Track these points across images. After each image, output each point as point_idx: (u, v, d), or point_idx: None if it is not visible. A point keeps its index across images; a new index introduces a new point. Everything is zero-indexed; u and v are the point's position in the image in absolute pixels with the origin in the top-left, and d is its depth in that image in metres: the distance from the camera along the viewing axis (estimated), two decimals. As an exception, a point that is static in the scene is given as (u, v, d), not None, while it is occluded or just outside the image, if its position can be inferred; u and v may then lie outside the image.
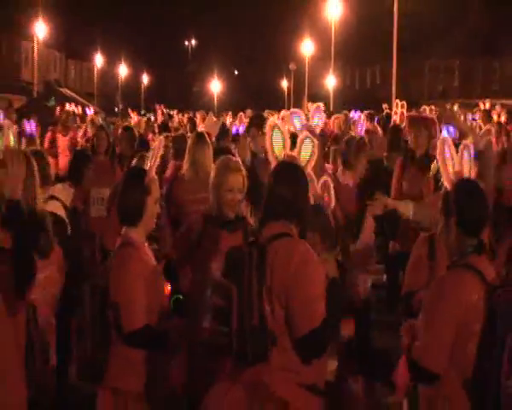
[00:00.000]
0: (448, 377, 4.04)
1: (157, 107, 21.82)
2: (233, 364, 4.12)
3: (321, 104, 9.28)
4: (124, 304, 4.74)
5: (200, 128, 12.35)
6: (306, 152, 5.10)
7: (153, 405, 4.90)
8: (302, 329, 3.99)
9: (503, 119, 15.65)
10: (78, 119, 18.40)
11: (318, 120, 9.22)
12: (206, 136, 8.57)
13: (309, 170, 5.00)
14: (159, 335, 4.91)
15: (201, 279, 5.37)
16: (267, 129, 5.51)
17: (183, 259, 5.82)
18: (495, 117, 15.73)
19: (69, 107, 20.42)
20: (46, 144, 14.65)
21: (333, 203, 5.56)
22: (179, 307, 5.46)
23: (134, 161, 7.72)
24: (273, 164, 4.92)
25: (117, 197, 5.13)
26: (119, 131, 11.30)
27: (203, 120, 14.77)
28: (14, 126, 6.56)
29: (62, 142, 14.70)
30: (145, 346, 4.87)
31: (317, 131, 8.36)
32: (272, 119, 7.20)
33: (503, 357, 3.92)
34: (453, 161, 4.53)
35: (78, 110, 21.84)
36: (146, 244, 5.06)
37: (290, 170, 4.50)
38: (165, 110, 22.00)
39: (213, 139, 10.64)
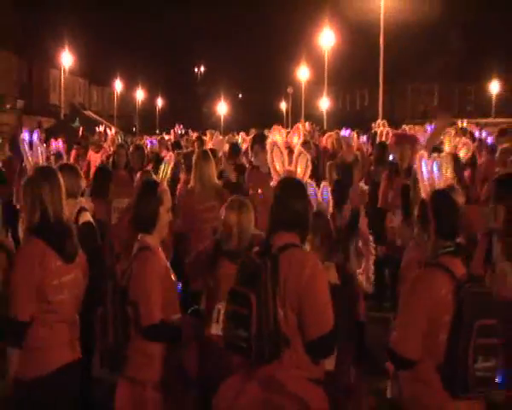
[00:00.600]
0: (423, 362, 4.08)
1: (176, 127, 21.72)
2: (247, 362, 4.11)
3: (300, 125, 9.35)
4: (142, 301, 4.78)
5: (209, 145, 12.39)
6: (302, 166, 5.12)
7: (168, 394, 4.90)
8: (314, 334, 4.01)
9: (483, 135, 15.58)
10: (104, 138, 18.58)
11: (297, 139, 9.31)
12: (210, 153, 8.63)
13: (306, 180, 5.02)
14: (173, 329, 4.94)
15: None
16: (268, 147, 5.52)
17: (196, 276, 5.87)
18: (476, 134, 15.68)
19: (99, 129, 20.49)
20: (72, 160, 14.71)
21: (331, 208, 5.57)
22: (196, 316, 5.45)
23: (138, 175, 7.76)
24: (275, 177, 4.93)
25: (132, 207, 5.18)
26: (131, 148, 11.38)
27: (211, 138, 14.81)
28: (44, 145, 6.60)
29: (94, 158, 14.76)
30: (161, 339, 4.89)
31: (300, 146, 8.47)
32: (271, 138, 7.24)
33: (470, 344, 3.98)
34: (428, 174, 4.59)
35: (100, 130, 21.94)
36: (160, 249, 5.08)
37: (295, 185, 4.51)
38: (179, 130, 21.88)
39: (220, 154, 10.65)
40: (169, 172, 6.52)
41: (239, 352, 4.11)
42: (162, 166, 6.70)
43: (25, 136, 6.62)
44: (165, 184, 5.22)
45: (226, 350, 4.27)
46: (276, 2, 75.24)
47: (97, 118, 48.28)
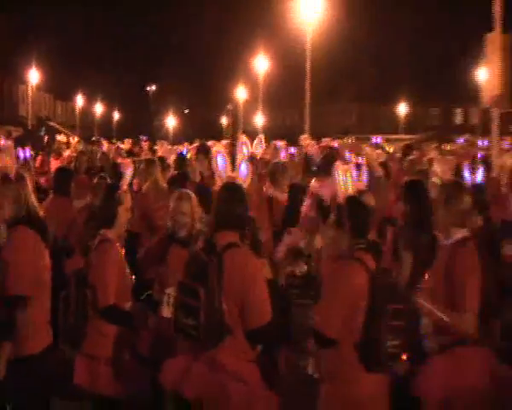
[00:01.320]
0: (343, 342, 4.13)
1: (142, 139, 21.22)
2: (193, 345, 4.10)
3: (262, 136, 9.44)
4: (100, 286, 4.82)
5: (159, 154, 12.35)
6: (241, 174, 5.13)
7: (121, 370, 4.90)
8: (254, 324, 4.03)
9: (391, 149, 15.90)
10: (64, 146, 18.30)
11: (260, 149, 9.41)
12: (157, 160, 8.72)
13: (245, 187, 5.03)
14: (125, 313, 4.96)
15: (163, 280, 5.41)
16: (213, 155, 5.52)
17: (148, 266, 5.81)
18: (387, 148, 16.02)
19: (59, 137, 20.15)
20: (38, 165, 14.44)
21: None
22: (149, 301, 5.47)
23: (95, 180, 7.73)
24: (218, 182, 4.93)
25: (95, 207, 5.23)
26: (98, 155, 11.36)
27: (161, 147, 14.78)
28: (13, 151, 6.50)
29: (55, 164, 14.50)
30: (114, 321, 4.90)
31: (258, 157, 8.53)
32: (217, 147, 7.26)
33: (382, 325, 4.06)
34: (344, 181, 4.69)
35: (63, 139, 21.63)
36: (117, 242, 5.10)
37: (235, 189, 4.45)
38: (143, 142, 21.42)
39: (169, 161, 10.60)
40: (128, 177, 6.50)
41: (188, 338, 4.10)
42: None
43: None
44: (125, 187, 5.24)
45: (176, 335, 4.27)
46: (218, 31, 75.29)
47: (61, 128, 47.55)
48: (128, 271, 5.14)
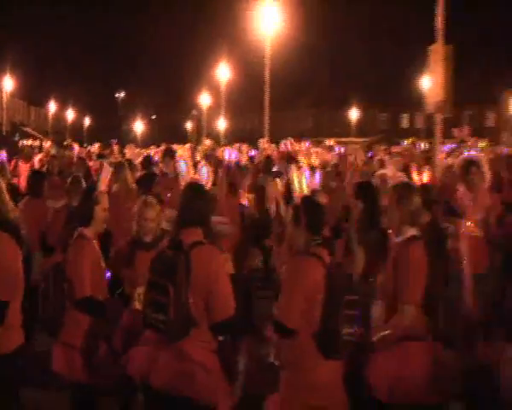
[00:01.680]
0: (301, 332, 4.14)
1: (113, 142, 20.78)
2: (160, 336, 4.06)
3: (237, 145, 9.51)
4: (76, 279, 4.82)
5: (128, 156, 12.24)
6: (203, 176, 5.13)
7: (94, 358, 4.87)
8: (219, 317, 4.01)
9: (342, 150, 15.99)
10: (37, 150, 17.96)
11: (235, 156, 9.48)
12: (126, 163, 8.65)
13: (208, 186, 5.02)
14: (99, 304, 4.94)
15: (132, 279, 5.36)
16: (177, 158, 5.49)
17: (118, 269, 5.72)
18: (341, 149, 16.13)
19: (27, 142, 19.78)
20: (11, 169, 14.18)
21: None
22: (123, 296, 5.43)
23: (69, 180, 7.66)
24: (182, 183, 4.91)
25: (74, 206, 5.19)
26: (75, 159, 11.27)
27: (130, 150, 14.68)
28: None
29: (24, 168, 14.20)
30: (89, 311, 4.88)
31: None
32: (180, 152, 7.24)
33: (338, 315, 4.10)
34: (299, 183, 4.72)
35: (36, 144, 21.28)
36: (94, 240, 5.09)
37: (198, 189, 4.42)
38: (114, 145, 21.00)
39: (136, 163, 10.51)
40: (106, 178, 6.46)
41: (158, 331, 4.06)
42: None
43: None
44: (102, 188, 5.22)
45: (146, 328, 4.22)
46: (183, 42, 75.09)
47: (34, 133, 46.82)
48: (104, 267, 5.13)
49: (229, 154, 10.11)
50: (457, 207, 6.76)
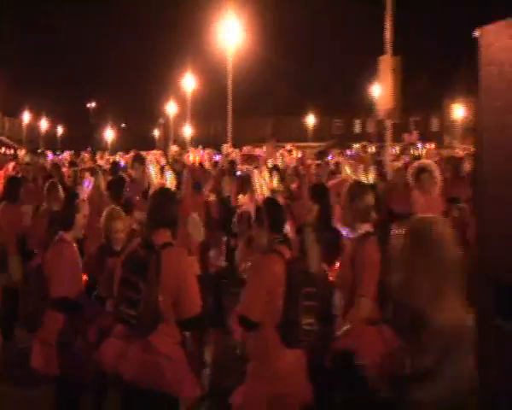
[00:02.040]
0: (265, 324, 4.15)
1: (87, 151, 20.36)
2: (130, 330, 4.04)
3: (210, 150, 9.42)
4: (54, 279, 4.79)
5: (99, 162, 12.10)
6: (170, 180, 5.11)
7: (71, 354, 4.83)
8: (187, 314, 4.03)
9: (299, 155, 16.07)
10: (11, 157, 17.64)
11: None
12: (99, 170, 8.58)
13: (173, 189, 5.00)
14: (75, 304, 4.90)
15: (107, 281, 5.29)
16: (146, 164, 5.45)
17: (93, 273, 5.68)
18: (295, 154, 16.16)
19: (1, 150, 19.37)
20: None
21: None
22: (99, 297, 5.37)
23: (46, 186, 7.58)
24: (152, 188, 4.89)
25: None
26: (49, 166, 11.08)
27: (101, 157, 14.51)
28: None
29: (-2, 175, 13.93)
30: (66, 310, 4.84)
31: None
32: (149, 158, 7.19)
33: (298, 306, 4.11)
34: (260, 186, 4.74)
35: (11, 152, 20.86)
36: (74, 244, 5.06)
37: (166, 193, 4.46)
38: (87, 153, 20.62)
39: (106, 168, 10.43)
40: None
41: (129, 326, 4.04)
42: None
43: None
44: (83, 196, 5.21)
45: (118, 323, 4.20)
46: (150, 53, 74.65)
47: (8, 142, 45.92)
48: (81, 270, 5.11)
49: (193, 156, 10.10)
50: (403, 208, 6.84)
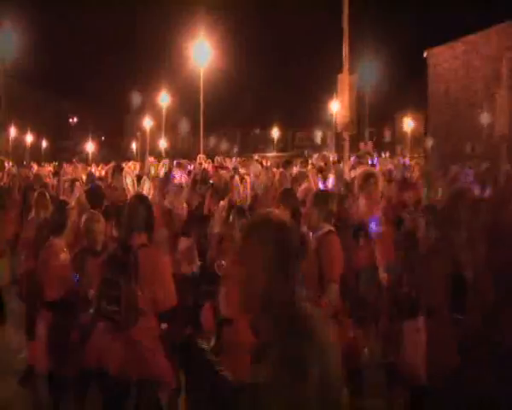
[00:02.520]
0: (240, 319, 4.11)
1: (75, 161, 19.97)
2: (113, 326, 4.02)
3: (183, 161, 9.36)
4: (46, 281, 4.75)
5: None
6: (146, 187, 5.10)
7: (63, 351, 4.77)
8: (164, 306, 4.03)
9: (268, 164, 16.16)
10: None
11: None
12: (80, 180, 8.53)
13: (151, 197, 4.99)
14: (67, 305, 4.82)
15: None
16: (124, 174, 5.39)
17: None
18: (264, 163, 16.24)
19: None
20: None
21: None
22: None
23: (35, 195, 7.47)
24: (129, 195, 4.86)
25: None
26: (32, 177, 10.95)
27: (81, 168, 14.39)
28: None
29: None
30: (57, 310, 4.79)
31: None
32: (126, 168, 7.11)
33: None
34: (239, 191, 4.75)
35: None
36: (65, 248, 5.00)
37: (142, 200, 4.42)
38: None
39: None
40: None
41: (112, 321, 4.02)
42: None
43: None
44: (73, 204, 5.16)
45: (100, 320, 4.18)
46: (128, 72, 74.37)
47: (-5, 155, 45.16)
48: (72, 271, 4.99)
49: (166, 168, 9.99)
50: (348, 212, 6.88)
